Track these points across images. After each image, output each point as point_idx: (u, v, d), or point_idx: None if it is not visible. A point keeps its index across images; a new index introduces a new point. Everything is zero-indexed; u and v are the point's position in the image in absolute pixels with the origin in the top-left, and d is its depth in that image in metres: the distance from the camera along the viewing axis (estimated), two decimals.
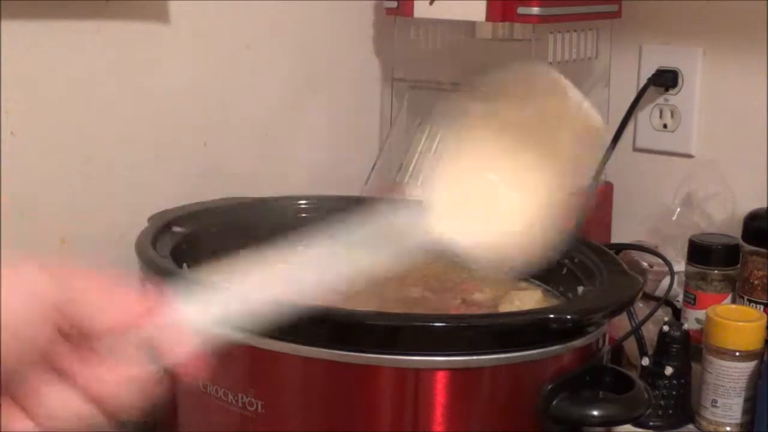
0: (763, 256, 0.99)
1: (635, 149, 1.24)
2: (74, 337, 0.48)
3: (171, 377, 0.51)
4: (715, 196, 1.14)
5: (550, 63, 1.11)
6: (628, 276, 0.82)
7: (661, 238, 1.14)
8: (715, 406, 0.94)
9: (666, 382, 0.95)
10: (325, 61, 1.18)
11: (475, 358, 0.70)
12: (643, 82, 1.20)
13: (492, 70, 0.57)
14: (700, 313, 1.00)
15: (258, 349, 0.72)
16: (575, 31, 1.14)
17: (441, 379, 0.70)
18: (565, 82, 0.55)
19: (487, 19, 1.07)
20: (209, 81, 1.04)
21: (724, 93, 1.17)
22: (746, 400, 0.93)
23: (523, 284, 0.92)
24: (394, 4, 1.14)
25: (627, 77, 1.22)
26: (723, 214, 1.12)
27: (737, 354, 0.92)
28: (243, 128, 1.09)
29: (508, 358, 0.70)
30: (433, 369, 0.70)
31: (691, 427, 0.96)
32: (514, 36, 1.12)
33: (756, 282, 1.00)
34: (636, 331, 0.91)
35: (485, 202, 0.54)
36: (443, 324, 0.71)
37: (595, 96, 1.23)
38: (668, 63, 1.19)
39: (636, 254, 1.10)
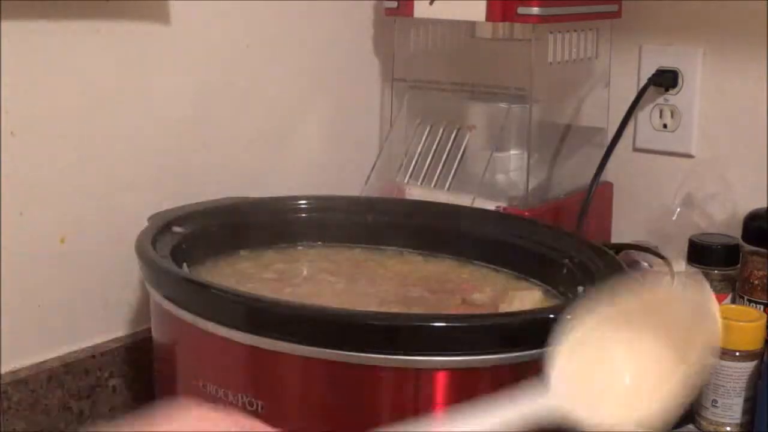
0: (763, 256, 0.99)
1: (635, 149, 1.24)
2: None
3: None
4: (715, 196, 1.14)
5: (550, 63, 1.11)
6: (628, 276, 0.82)
7: (661, 238, 1.14)
8: (715, 406, 0.94)
9: None
10: (325, 61, 1.18)
11: (475, 358, 0.70)
12: (643, 82, 1.20)
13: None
14: None
15: (258, 349, 0.72)
16: (575, 31, 1.14)
17: (441, 379, 0.71)
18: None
19: (487, 19, 1.07)
20: (209, 81, 1.04)
21: (724, 93, 1.17)
22: (746, 400, 0.93)
23: (523, 284, 0.92)
24: (394, 4, 1.14)
25: (627, 77, 1.22)
26: (723, 214, 1.12)
27: (737, 354, 0.92)
28: (243, 128, 1.09)
29: (508, 358, 0.70)
30: (433, 369, 0.70)
31: (691, 427, 0.96)
32: (514, 36, 1.12)
33: (756, 282, 1.00)
34: None
35: (608, 380, 0.55)
36: (443, 324, 0.71)
37: (595, 96, 1.23)
38: (668, 63, 1.19)
39: (636, 254, 1.10)
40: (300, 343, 0.70)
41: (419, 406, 0.71)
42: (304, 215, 1.02)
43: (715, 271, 1.02)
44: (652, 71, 1.19)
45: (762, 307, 0.99)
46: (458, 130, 1.15)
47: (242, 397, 0.73)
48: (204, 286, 0.77)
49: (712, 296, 0.56)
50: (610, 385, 0.55)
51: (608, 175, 1.20)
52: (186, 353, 0.80)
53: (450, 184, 1.12)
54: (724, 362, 0.93)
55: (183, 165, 1.02)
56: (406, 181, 1.15)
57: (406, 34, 1.19)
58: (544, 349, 0.71)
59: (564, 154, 1.20)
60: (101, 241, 0.95)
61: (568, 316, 0.59)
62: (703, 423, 0.95)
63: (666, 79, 1.19)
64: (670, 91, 1.20)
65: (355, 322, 0.71)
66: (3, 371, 0.88)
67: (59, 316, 0.93)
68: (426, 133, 1.16)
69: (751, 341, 0.92)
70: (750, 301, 1.00)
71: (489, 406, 0.52)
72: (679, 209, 1.14)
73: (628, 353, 0.55)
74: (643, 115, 1.22)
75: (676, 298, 0.57)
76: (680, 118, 1.20)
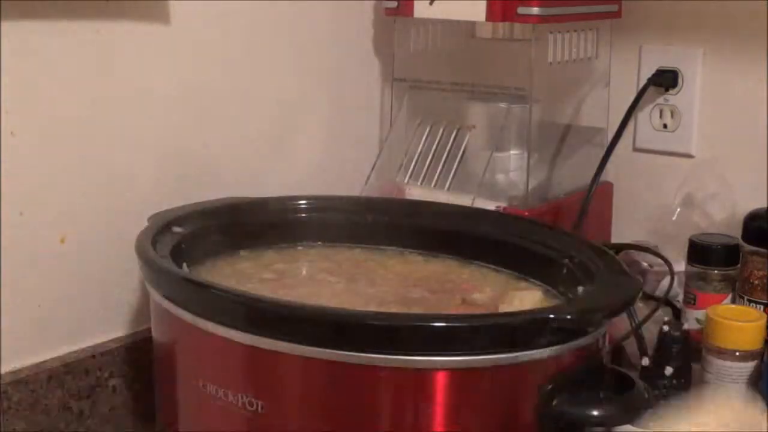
0: (763, 256, 0.99)
1: (635, 149, 1.24)
2: None
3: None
4: (715, 196, 1.14)
5: (550, 63, 1.11)
6: (628, 276, 0.82)
7: (661, 238, 1.14)
8: None
9: (666, 382, 0.95)
10: (325, 60, 1.19)
11: (475, 358, 0.70)
12: (643, 82, 1.20)
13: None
14: (700, 313, 1.00)
15: (258, 349, 0.72)
16: (575, 31, 1.14)
17: (441, 379, 0.70)
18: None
19: (487, 19, 1.07)
20: (209, 81, 1.04)
21: (724, 93, 1.17)
22: None
23: (523, 284, 0.92)
24: (394, 4, 1.14)
25: (627, 77, 1.22)
26: (723, 214, 1.12)
27: (737, 354, 0.92)
28: (243, 128, 1.09)
29: (508, 358, 0.70)
30: (433, 369, 0.70)
31: None
32: (514, 36, 1.12)
33: (756, 282, 1.00)
34: (636, 331, 0.91)
35: None
36: (443, 324, 0.71)
37: (595, 96, 1.23)
38: (668, 63, 1.19)
39: (636, 254, 1.10)
40: (300, 343, 0.70)
41: (419, 406, 0.71)
42: (304, 215, 1.02)
43: (715, 271, 1.02)
44: (652, 71, 1.20)
45: (762, 307, 0.99)
46: (458, 130, 1.15)
47: (242, 397, 0.73)
48: (204, 286, 0.77)
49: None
50: None
51: (608, 175, 1.20)
52: (186, 353, 0.80)
53: (450, 184, 1.12)
54: (724, 362, 0.93)
55: (183, 165, 1.02)
56: (406, 181, 1.15)
57: (406, 34, 1.19)
58: (544, 349, 0.72)
59: (564, 154, 1.20)
60: (101, 241, 0.95)
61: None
62: None
63: (666, 79, 1.19)
64: (670, 91, 1.20)
65: (355, 322, 0.71)
66: (3, 371, 0.88)
67: (59, 316, 0.93)
68: (426, 133, 1.16)
69: (751, 341, 0.92)
70: (750, 301, 1.00)
71: None
72: (679, 209, 1.14)
73: None
74: (643, 115, 1.22)
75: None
76: (680, 118, 1.20)
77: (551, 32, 1.10)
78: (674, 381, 0.95)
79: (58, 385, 0.91)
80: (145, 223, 0.90)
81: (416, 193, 1.13)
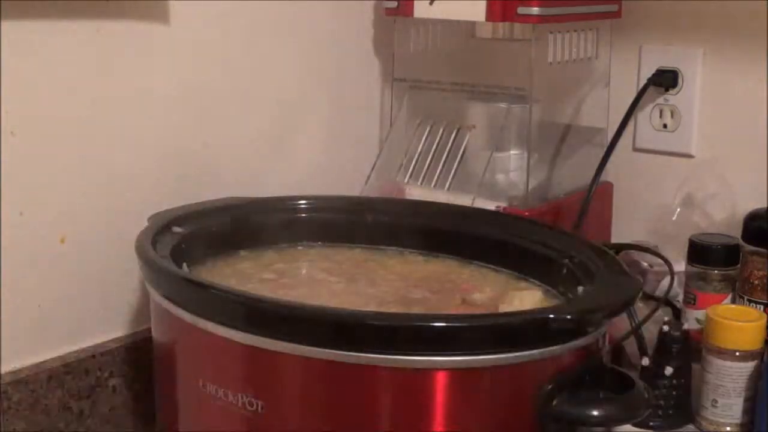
0: (763, 256, 0.99)
1: (635, 149, 1.24)
2: None
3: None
4: (715, 196, 1.14)
5: (550, 63, 1.11)
6: (628, 276, 0.82)
7: (661, 238, 1.14)
8: (715, 406, 0.94)
9: (666, 382, 0.95)
10: (325, 60, 1.19)
11: (475, 358, 0.70)
12: (643, 82, 1.20)
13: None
14: (700, 313, 1.00)
15: (258, 349, 0.72)
16: (575, 31, 1.14)
17: (441, 379, 0.70)
18: None
19: (487, 19, 1.07)
20: (209, 81, 1.04)
21: (724, 93, 1.17)
22: (746, 400, 0.93)
23: (523, 284, 0.92)
24: (394, 4, 1.14)
25: (627, 77, 1.22)
26: (723, 214, 1.12)
27: (737, 354, 0.92)
28: (243, 128, 1.09)
29: (508, 358, 0.70)
30: (433, 369, 0.70)
31: (691, 427, 0.96)
32: (514, 36, 1.12)
33: (756, 282, 1.00)
34: (636, 331, 0.91)
35: None
36: (443, 324, 0.71)
37: (595, 96, 1.23)
38: (668, 63, 1.19)
39: (636, 254, 1.10)
40: (300, 342, 0.70)
41: (419, 406, 0.71)
42: (304, 215, 1.02)
43: (715, 271, 1.02)
44: (652, 71, 1.20)
45: (762, 307, 0.99)
46: (458, 130, 1.15)
47: (242, 397, 0.73)
48: (204, 286, 0.77)
49: None
50: None
51: (608, 175, 1.20)
52: (186, 353, 0.80)
53: (450, 184, 1.12)
54: (724, 362, 0.93)
55: (183, 165, 1.02)
56: (406, 181, 1.15)
57: (406, 34, 1.19)
58: (544, 349, 0.72)
59: (564, 154, 1.20)
60: (101, 241, 0.95)
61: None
62: (703, 423, 0.95)
63: (666, 79, 1.19)
64: (670, 91, 1.20)
65: (355, 322, 0.71)
66: (3, 371, 0.88)
67: (59, 316, 0.93)
68: (426, 133, 1.16)
69: (751, 341, 0.92)
70: (750, 301, 1.00)
71: None
72: (679, 209, 1.14)
73: None
74: (643, 115, 1.22)
75: None
76: (680, 118, 1.20)
77: (551, 32, 1.10)
78: (674, 381, 0.95)
79: (58, 385, 0.91)
80: (145, 223, 0.90)
81: (416, 193, 1.13)
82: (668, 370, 0.94)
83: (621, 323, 0.88)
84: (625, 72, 1.22)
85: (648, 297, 1.04)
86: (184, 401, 0.80)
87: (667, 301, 1.05)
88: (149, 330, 0.87)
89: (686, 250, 1.03)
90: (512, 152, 1.15)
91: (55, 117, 0.90)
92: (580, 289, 0.84)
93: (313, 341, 0.70)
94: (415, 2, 1.12)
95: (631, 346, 0.99)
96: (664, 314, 1.03)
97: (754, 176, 1.13)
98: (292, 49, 1.14)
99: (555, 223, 1.08)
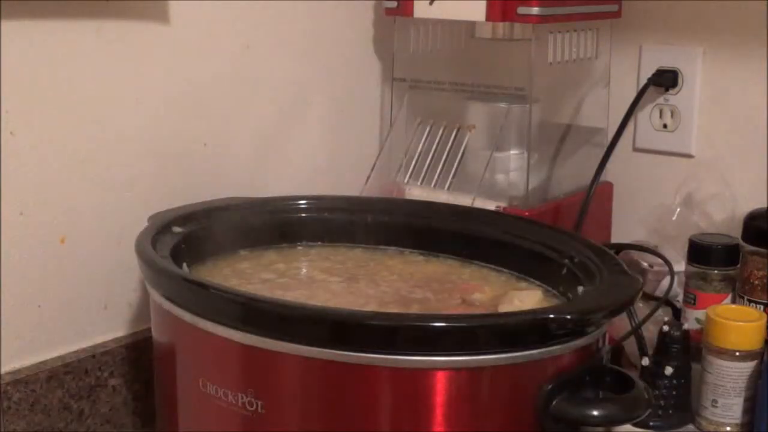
0: (763, 256, 0.99)
1: (635, 149, 1.24)
2: None
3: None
4: (715, 196, 1.14)
5: (550, 63, 1.11)
6: (628, 276, 0.82)
7: (661, 238, 1.14)
8: (715, 406, 0.94)
9: (666, 382, 0.95)
10: (325, 60, 1.18)
11: (475, 358, 0.70)
12: (643, 82, 1.20)
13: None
14: (700, 313, 1.00)
15: (258, 349, 0.72)
16: (575, 31, 1.14)
17: (441, 379, 0.70)
18: None
19: (487, 19, 1.07)
20: (209, 81, 1.04)
21: (724, 93, 1.17)
22: (746, 400, 0.93)
23: (523, 284, 0.92)
24: (394, 4, 1.14)
25: (627, 77, 1.22)
26: (723, 214, 1.12)
27: (737, 354, 0.92)
28: (243, 128, 1.09)
29: (508, 358, 0.70)
30: (433, 369, 0.70)
31: (691, 427, 0.96)
32: (514, 36, 1.12)
33: (756, 282, 1.00)
34: (636, 331, 0.91)
35: None
36: (443, 324, 0.71)
37: (595, 96, 1.23)
38: (668, 63, 1.19)
39: (636, 254, 1.10)
40: (299, 343, 0.70)
41: (419, 406, 0.71)
42: (304, 215, 1.02)
43: (715, 271, 1.02)
44: (652, 71, 1.20)
45: (762, 307, 0.99)
46: (458, 130, 1.15)
47: (242, 397, 0.73)
48: (204, 286, 0.77)
49: None
50: None
51: (608, 175, 1.20)
52: (186, 353, 0.80)
53: (450, 184, 1.12)
54: (724, 362, 0.93)
55: (183, 165, 1.02)
56: (406, 181, 1.15)
57: (406, 34, 1.19)
58: (544, 349, 0.72)
59: (564, 154, 1.20)
60: (101, 241, 0.95)
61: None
62: (703, 423, 0.95)
63: (666, 79, 1.19)
64: (670, 91, 1.20)
65: (355, 322, 0.71)
66: (3, 371, 0.88)
67: (59, 316, 0.93)
68: (426, 133, 1.16)
69: (751, 341, 0.92)
70: (750, 301, 1.00)
71: None
72: (679, 209, 1.14)
73: None
74: (643, 115, 1.22)
75: None
76: (680, 118, 1.20)
77: (551, 32, 1.10)
78: (674, 381, 0.95)
79: (58, 385, 0.91)
80: (145, 223, 0.90)
81: (416, 193, 1.13)
82: (668, 370, 0.94)
83: (621, 323, 0.88)
84: (625, 72, 1.23)
85: (648, 297, 1.04)
86: (184, 401, 0.80)
87: (667, 301, 1.05)
88: (149, 330, 0.87)
89: (686, 250, 1.03)
90: (512, 152, 1.15)
91: (55, 117, 0.90)
92: (580, 289, 0.84)
93: (313, 341, 0.70)
94: (415, 2, 1.12)
95: (631, 346, 0.99)
96: (664, 314, 1.04)
97: (754, 176, 1.13)
98: (292, 49, 1.14)
99: (555, 223, 1.08)
